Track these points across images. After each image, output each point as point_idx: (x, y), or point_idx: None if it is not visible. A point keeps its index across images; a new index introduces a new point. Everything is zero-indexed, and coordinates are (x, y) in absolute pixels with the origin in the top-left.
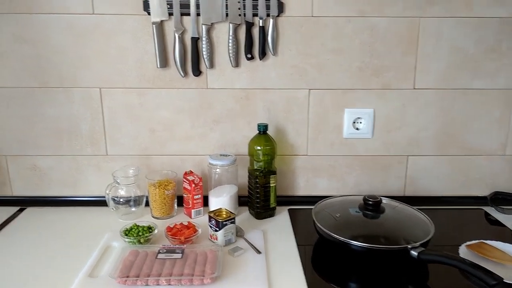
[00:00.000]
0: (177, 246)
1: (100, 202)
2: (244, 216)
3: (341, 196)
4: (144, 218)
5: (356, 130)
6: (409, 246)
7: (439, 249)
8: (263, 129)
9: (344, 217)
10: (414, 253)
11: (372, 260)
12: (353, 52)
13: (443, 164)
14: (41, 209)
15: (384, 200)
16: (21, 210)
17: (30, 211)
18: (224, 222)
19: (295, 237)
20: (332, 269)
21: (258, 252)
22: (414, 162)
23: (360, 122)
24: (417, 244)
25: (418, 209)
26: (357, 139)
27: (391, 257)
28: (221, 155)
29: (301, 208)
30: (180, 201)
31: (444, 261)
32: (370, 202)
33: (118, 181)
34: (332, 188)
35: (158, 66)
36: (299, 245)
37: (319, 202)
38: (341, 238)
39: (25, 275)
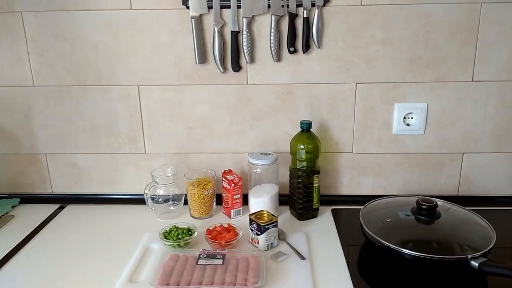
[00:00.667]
0: (217, 250)
1: (138, 200)
2: (285, 217)
3: (390, 196)
4: (182, 217)
5: (407, 126)
6: (469, 257)
7: (502, 260)
8: (306, 127)
9: (394, 222)
10: (474, 264)
11: (425, 270)
12: (404, 43)
13: (501, 161)
14: (80, 206)
15: (438, 202)
16: (61, 208)
17: (70, 208)
18: (266, 226)
19: (340, 241)
20: (381, 277)
21: (302, 258)
22: (469, 159)
23: (411, 118)
24: (478, 254)
25: (473, 210)
26: (407, 136)
27: (448, 267)
28: (261, 153)
29: (345, 208)
30: (219, 199)
31: (509, 275)
32: (424, 207)
33: (157, 180)
34: (378, 187)
35: (197, 62)
36: (344, 249)
37: (366, 204)
38: (393, 246)
39: (65, 276)
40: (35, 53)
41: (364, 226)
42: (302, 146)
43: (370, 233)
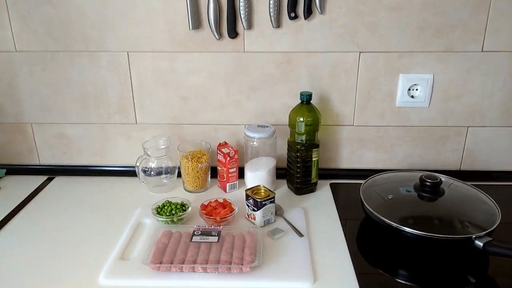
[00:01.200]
0: (212, 227)
1: (129, 173)
2: (282, 191)
3: (391, 171)
4: (176, 191)
5: (411, 98)
6: (473, 236)
7: (506, 238)
8: (306, 99)
9: (396, 198)
10: (479, 243)
11: (427, 248)
12: (413, 9)
13: (507, 136)
14: (69, 178)
15: (442, 178)
16: (49, 179)
17: (58, 180)
18: (263, 202)
19: (339, 216)
20: (381, 255)
21: (300, 235)
22: (474, 133)
23: (416, 89)
24: (483, 233)
25: (475, 185)
26: (411, 108)
27: (451, 247)
28: (258, 126)
29: (344, 182)
30: (214, 172)
31: None
32: (428, 183)
33: (149, 153)
34: (379, 161)
35: (190, 28)
36: (343, 225)
37: (367, 179)
38: (394, 224)
39: (53, 252)
40: (17, 16)
41: (365, 203)
42: (301, 119)
43: (371, 209)
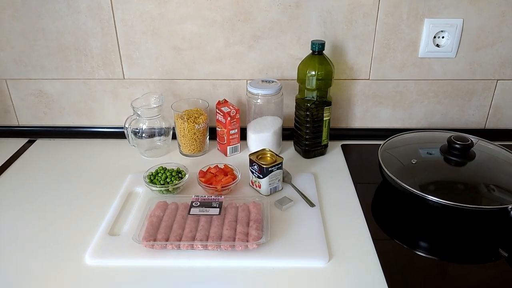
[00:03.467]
0: (213, 197)
1: (118, 134)
2: (289, 154)
3: (413, 131)
4: (171, 154)
5: (436, 48)
6: (510, 207)
7: None
8: (319, 49)
9: (420, 162)
10: None
11: (455, 219)
12: None
13: None
14: (52, 141)
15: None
16: (30, 142)
17: (40, 143)
18: (270, 168)
19: (353, 182)
20: (402, 225)
21: (312, 204)
22: (503, 87)
23: (443, 37)
24: None
25: (502, 145)
26: (436, 59)
27: (483, 218)
28: (262, 81)
29: (357, 143)
30: (213, 134)
31: None
32: (458, 146)
33: (139, 112)
34: (396, 120)
35: None
36: (358, 191)
37: (386, 140)
38: (419, 193)
39: (34, 225)
40: None
41: (384, 167)
42: (313, 72)
43: (392, 175)
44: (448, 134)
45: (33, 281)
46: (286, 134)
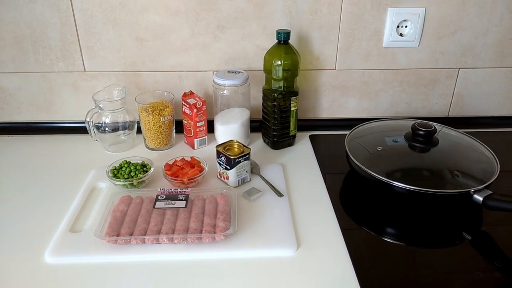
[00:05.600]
0: (179, 190)
1: (81, 129)
2: (257, 146)
3: (378, 120)
4: (136, 149)
5: (400, 37)
6: (472, 190)
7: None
8: (284, 38)
9: (385, 149)
10: (478, 198)
11: (420, 204)
12: None
13: (500, 77)
14: (10, 138)
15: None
16: None
17: None
18: (237, 159)
19: (321, 172)
20: (369, 212)
21: (280, 194)
22: (465, 76)
23: (406, 26)
24: (482, 186)
25: (466, 132)
26: (399, 48)
27: (447, 202)
28: (229, 72)
29: (324, 133)
30: (179, 126)
31: None
32: (421, 132)
33: (101, 106)
34: (363, 110)
35: None
36: (326, 180)
37: (353, 129)
38: (385, 179)
39: None
40: None
41: (351, 155)
42: (279, 62)
43: (358, 163)
44: (412, 122)
45: None
46: (255, 126)
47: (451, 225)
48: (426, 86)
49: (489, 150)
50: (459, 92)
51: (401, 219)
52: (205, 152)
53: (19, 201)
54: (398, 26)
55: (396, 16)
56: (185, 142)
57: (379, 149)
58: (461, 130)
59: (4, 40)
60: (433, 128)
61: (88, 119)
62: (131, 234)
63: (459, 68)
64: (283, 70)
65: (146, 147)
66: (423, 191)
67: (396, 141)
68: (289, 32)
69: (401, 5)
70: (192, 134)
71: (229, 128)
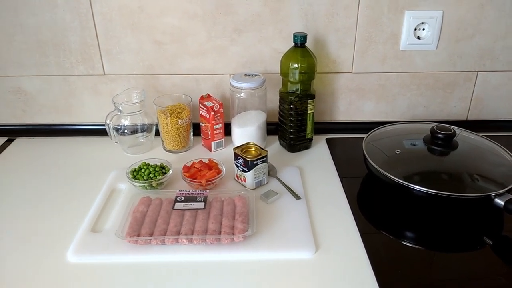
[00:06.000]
0: (197, 191)
1: (100, 132)
2: (274, 149)
3: (396, 123)
4: (154, 151)
5: (417, 40)
6: (493, 194)
7: None
8: (301, 41)
9: (404, 153)
10: (499, 202)
11: (439, 208)
12: None
13: None
14: (31, 140)
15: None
16: (9, 141)
17: (19, 142)
18: (255, 161)
19: (338, 175)
20: (388, 216)
21: (297, 197)
22: (484, 79)
23: (423, 29)
24: (503, 190)
25: (486, 136)
26: (417, 51)
27: (467, 206)
28: (246, 75)
29: (341, 137)
30: (196, 129)
31: None
32: (441, 135)
33: (121, 108)
34: (380, 113)
35: None
36: (343, 184)
37: (369, 132)
38: (404, 182)
39: (16, 223)
40: None
41: (369, 158)
42: (295, 65)
43: (376, 166)
44: (431, 125)
45: (14, 280)
46: (271, 129)
47: (471, 230)
48: (444, 89)
49: (509, 154)
50: (478, 95)
51: (421, 223)
52: (222, 155)
53: (40, 202)
54: (415, 29)
55: (414, 19)
56: (202, 144)
57: (397, 152)
58: (480, 134)
59: (26, 44)
60: (452, 131)
61: (108, 121)
62: (151, 235)
63: (478, 71)
64: (300, 73)
65: (164, 149)
66: (444, 195)
67: (414, 144)
68: (306, 35)
69: (419, 8)
70: (209, 137)
71: (246, 131)
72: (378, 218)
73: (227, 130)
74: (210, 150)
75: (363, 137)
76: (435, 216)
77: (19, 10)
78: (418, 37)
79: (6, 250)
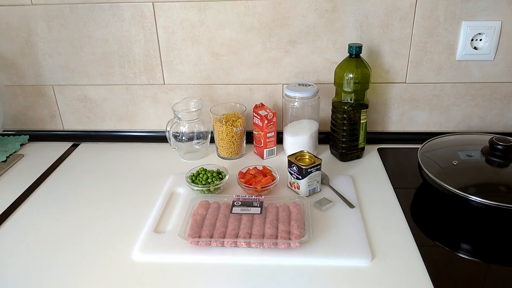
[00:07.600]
0: (253, 197)
1: (158, 138)
2: (325, 157)
3: (451, 134)
4: (209, 157)
5: (474, 50)
6: None
7: None
8: (356, 52)
9: (461, 163)
10: None
11: (498, 219)
12: None
13: None
14: (95, 145)
15: None
16: (74, 146)
17: (84, 147)
18: (309, 169)
19: (392, 185)
20: (444, 227)
21: (351, 205)
22: None
23: (481, 40)
24: None
25: None
26: (473, 62)
27: None
28: (299, 84)
29: (393, 147)
30: (249, 137)
31: None
32: (500, 147)
33: (180, 116)
34: (433, 123)
35: None
36: (397, 194)
37: (424, 143)
38: (462, 193)
39: (82, 223)
40: None
41: (424, 168)
42: (350, 75)
43: (432, 176)
44: (488, 137)
45: (83, 277)
46: (321, 138)
47: None
48: (501, 100)
49: None
50: None
51: (479, 235)
52: (274, 162)
53: (104, 203)
54: (472, 40)
55: (471, 29)
56: (254, 152)
57: (454, 163)
58: None
59: (94, 55)
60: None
61: (168, 128)
62: (211, 237)
63: None
64: (354, 83)
65: (218, 156)
66: (502, 207)
67: (470, 156)
68: (361, 46)
69: (476, 18)
70: (262, 145)
71: (298, 139)
72: (434, 228)
73: (279, 139)
74: (263, 158)
75: (416, 148)
76: (493, 228)
77: (88, 23)
78: (475, 48)
79: (75, 248)
